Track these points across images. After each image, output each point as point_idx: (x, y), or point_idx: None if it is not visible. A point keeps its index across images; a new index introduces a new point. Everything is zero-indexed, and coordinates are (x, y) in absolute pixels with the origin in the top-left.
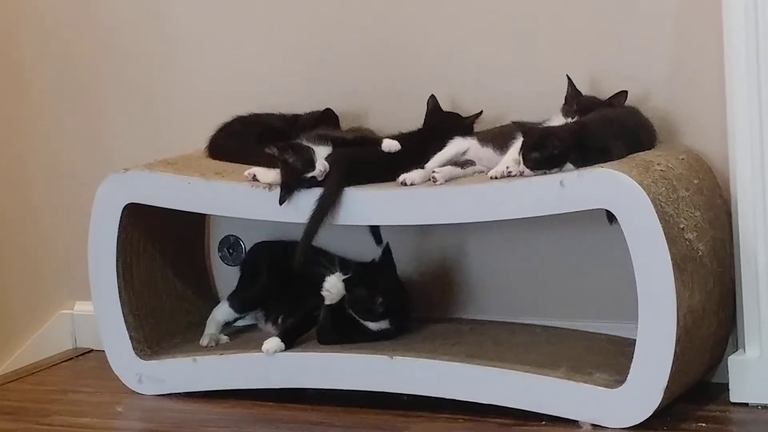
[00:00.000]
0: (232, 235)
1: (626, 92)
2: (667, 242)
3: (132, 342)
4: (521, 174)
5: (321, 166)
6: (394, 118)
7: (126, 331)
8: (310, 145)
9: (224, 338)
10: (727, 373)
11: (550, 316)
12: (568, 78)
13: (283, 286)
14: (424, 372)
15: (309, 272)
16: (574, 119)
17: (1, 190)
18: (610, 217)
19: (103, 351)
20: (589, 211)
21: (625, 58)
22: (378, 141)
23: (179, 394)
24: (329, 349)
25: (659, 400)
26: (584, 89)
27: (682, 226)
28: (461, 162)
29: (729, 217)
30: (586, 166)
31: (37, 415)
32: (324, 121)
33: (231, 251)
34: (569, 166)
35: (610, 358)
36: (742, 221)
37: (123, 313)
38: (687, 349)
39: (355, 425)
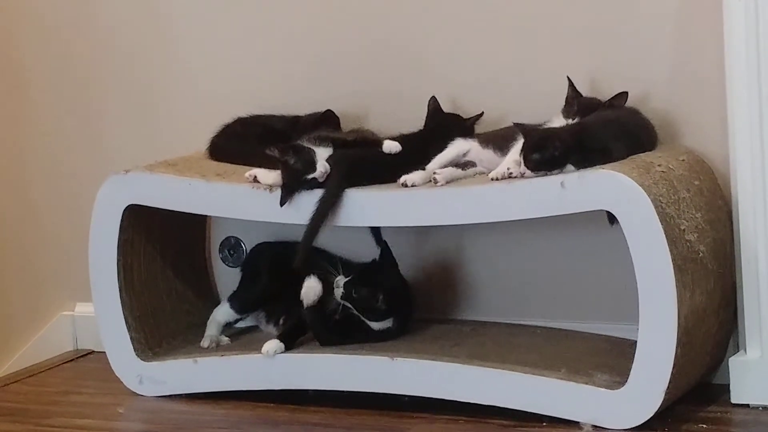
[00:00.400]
0: (233, 237)
1: (627, 93)
2: (668, 243)
3: (133, 343)
4: (522, 175)
5: (322, 167)
6: (395, 119)
7: (127, 333)
8: (310, 146)
9: (225, 339)
10: (728, 374)
11: (551, 317)
12: (569, 79)
13: (284, 287)
14: (425, 373)
15: (310, 273)
16: (575, 120)
17: (1, 191)
18: (611, 219)
19: (104, 352)
20: (589, 212)
21: (625, 59)
22: (379, 142)
23: (180, 395)
24: (330, 350)
25: (660, 402)
26: (584, 90)
27: (682, 227)
28: (462, 163)
29: (730, 218)
30: (586, 167)
31: (38, 417)
32: (325, 122)
33: (232, 252)
34: (570, 167)
35: (611, 359)
36: (742, 222)
37: (124, 314)
38: (688, 350)
39: (356, 426)
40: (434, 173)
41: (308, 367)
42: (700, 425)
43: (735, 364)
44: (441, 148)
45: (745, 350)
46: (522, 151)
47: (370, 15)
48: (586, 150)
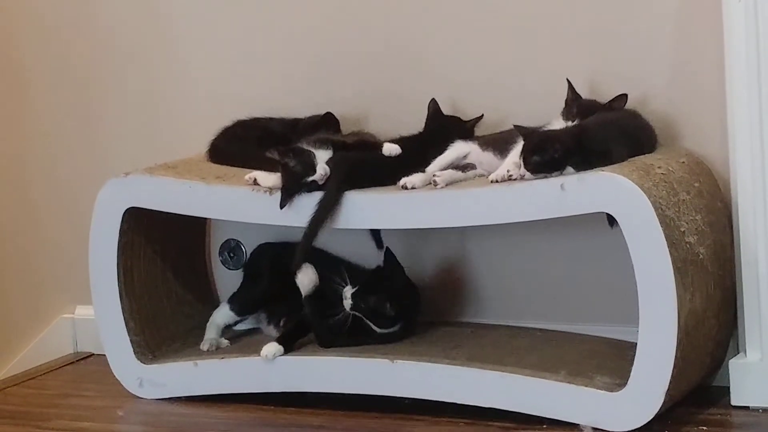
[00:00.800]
0: (233, 239)
1: (626, 95)
2: (668, 245)
3: (133, 346)
4: (522, 177)
5: (322, 170)
6: (395, 121)
7: (127, 335)
8: (310, 149)
9: (225, 342)
10: (728, 376)
11: (551, 319)
12: (568, 81)
13: (286, 288)
14: (425, 376)
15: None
16: (575, 123)
17: (1, 193)
18: (611, 221)
19: (104, 355)
20: (589, 214)
21: (625, 61)
22: (379, 145)
23: (180, 398)
24: (330, 352)
25: (660, 404)
26: (584, 92)
27: (682, 229)
28: (462, 166)
29: (729, 220)
30: (586, 169)
31: (38, 420)
32: (324, 124)
33: (232, 255)
34: (570, 169)
35: (611, 362)
36: (742, 224)
37: (124, 317)
38: (688, 352)
39: (356, 429)
40: (434, 175)
41: (308, 370)
42: (701, 427)
43: (735, 366)
44: (441, 151)
45: (745, 352)
46: (522, 153)
47: (369, 17)
48: (586, 152)
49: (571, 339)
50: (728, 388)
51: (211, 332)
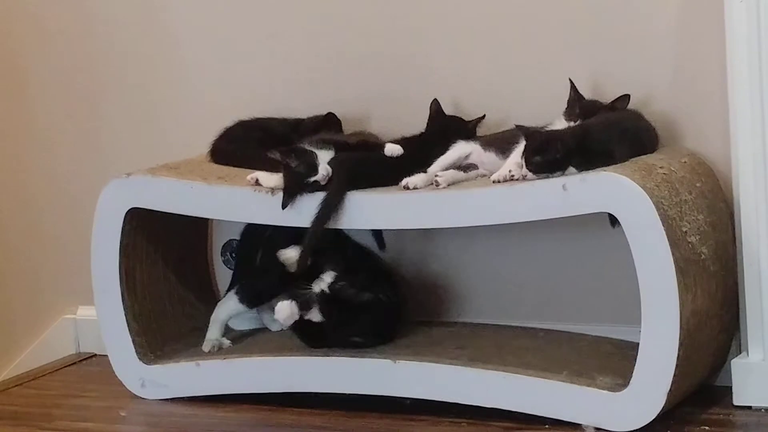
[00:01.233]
0: (235, 240)
1: (628, 96)
2: (670, 245)
3: (135, 346)
4: (524, 178)
5: (324, 170)
6: (397, 122)
7: (129, 336)
8: (312, 149)
9: (227, 342)
10: (731, 376)
11: (553, 319)
12: (571, 82)
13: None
14: (427, 376)
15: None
16: (577, 123)
17: (2, 194)
18: (613, 221)
19: (106, 356)
20: (591, 214)
21: (627, 62)
22: (381, 145)
23: (182, 398)
24: (332, 352)
25: (662, 404)
26: (586, 93)
27: (684, 229)
28: (464, 166)
29: (732, 220)
30: (588, 169)
31: (40, 420)
32: (326, 125)
33: (233, 255)
34: (572, 169)
35: (613, 362)
36: (744, 224)
37: (126, 317)
38: (690, 352)
39: (358, 429)
40: (436, 176)
41: (310, 370)
42: (703, 427)
43: (737, 366)
44: (443, 151)
45: (748, 352)
46: (524, 153)
47: (372, 18)
48: (588, 152)
49: (573, 339)
50: (730, 388)
51: (214, 331)
